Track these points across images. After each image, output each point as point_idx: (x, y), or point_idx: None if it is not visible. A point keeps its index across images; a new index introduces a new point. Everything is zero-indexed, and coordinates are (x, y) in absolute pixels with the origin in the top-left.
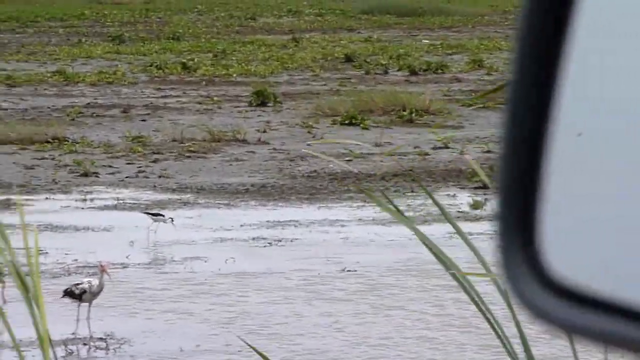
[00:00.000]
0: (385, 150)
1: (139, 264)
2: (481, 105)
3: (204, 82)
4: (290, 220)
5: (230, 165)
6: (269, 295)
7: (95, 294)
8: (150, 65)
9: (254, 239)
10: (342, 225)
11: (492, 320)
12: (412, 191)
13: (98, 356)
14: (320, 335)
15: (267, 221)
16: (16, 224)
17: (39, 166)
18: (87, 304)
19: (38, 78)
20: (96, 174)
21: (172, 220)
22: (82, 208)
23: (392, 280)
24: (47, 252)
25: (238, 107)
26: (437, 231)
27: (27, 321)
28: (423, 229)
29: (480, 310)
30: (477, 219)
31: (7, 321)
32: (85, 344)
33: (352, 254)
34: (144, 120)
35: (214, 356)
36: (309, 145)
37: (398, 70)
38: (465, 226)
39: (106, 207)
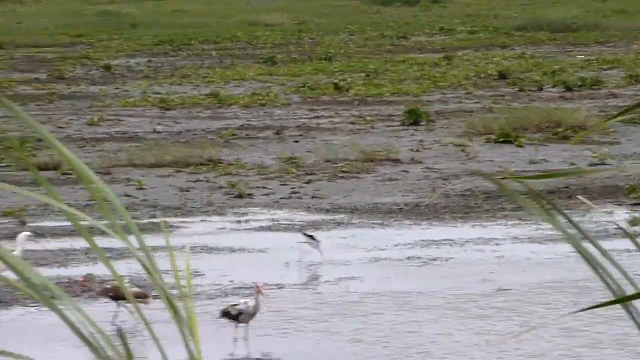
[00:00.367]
0: (540, 167)
1: (294, 285)
2: (639, 122)
3: (356, 102)
4: (444, 239)
5: (384, 184)
6: (423, 314)
7: (251, 315)
8: (303, 86)
9: (408, 258)
10: (497, 244)
11: None
12: (569, 209)
13: None
14: (470, 355)
15: (422, 240)
16: (173, 245)
17: (194, 188)
18: (244, 324)
19: (192, 101)
20: (250, 195)
21: (319, 246)
22: (237, 229)
23: (547, 298)
24: (203, 274)
25: (391, 126)
26: (593, 249)
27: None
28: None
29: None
30: (636, 235)
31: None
32: None
33: (507, 272)
34: (296, 141)
35: None
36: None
37: (552, 87)
38: (622, 244)
39: (261, 228)
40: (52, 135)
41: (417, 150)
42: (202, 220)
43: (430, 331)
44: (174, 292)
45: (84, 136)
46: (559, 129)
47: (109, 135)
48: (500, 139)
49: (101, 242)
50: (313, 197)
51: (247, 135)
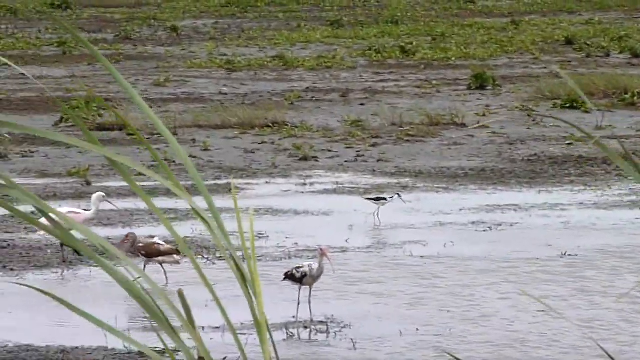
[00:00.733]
0: (606, 133)
1: (358, 248)
2: None
3: (422, 66)
4: (509, 205)
5: (449, 149)
6: (486, 279)
7: (315, 278)
8: (369, 49)
9: (473, 223)
10: (563, 210)
11: None
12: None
13: (319, 339)
14: (531, 320)
15: (487, 205)
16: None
17: (259, 150)
18: (307, 287)
19: (258, 63)
20: (315, 158)
21: (400, 196)
22: (302, 192)
23: (611, 264)
24: (267, 236)
25: (456, 90)
26: None
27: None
28: None
29: None
30: None
31: (222, 305)
32: (306, 327)
33: (572, 238)
34: (362, 105)
35: (431, 338)
36: (528, 129)
37: (619, 53)
38: None
39: (325, 191)
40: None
41: (483, 115)
42: (266, 183)
43: (492, 296)
44: (239, 254)
45: (150, 97)
46: (626, 95)
47: (175, 96)
48: (567, 105)
49: (166, 203)
50: (378, 161)
51: (313, 97)
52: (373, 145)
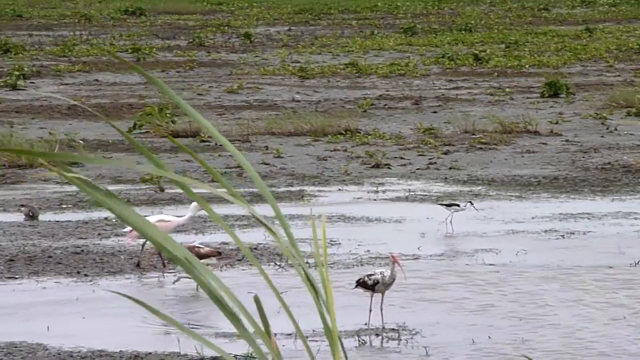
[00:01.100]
0: None
1: (430, 256)
2: None
3: (495, 73)
4: (582, 213)
5: (522, 156)
6: (557, 287)
7: (387, 285)
8: (442, 57)
9: (545, 231)
10: (636, 218)
11: None
12: None
13: (390, 347)
14: (603, 329)
15: (560, 214)
16: (309, 215)
17: (331, 157)
18: (379, 294)
19: (331, 70)
20: (388, 165)
21: (472, 204)
22: (374, 199)
23: None
24: (339, 243)
25: (530, 98)
26: None
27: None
28: None
29: None
30: None
31: (291, 312)
32: (377, 335)
33: None
34: (435, 112)
35: (502, 346)
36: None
37: None
38: None
39: (398, 199)
40: (187, 103)
41: (557, 123)
42: (339, 190)
43: (564, 304)
44: (311, 261)
45: (223, 104)
46: None
47: (248, 104)
48: None
49: (240, 210)
50: (450, 169)
51: (386, 105)
52: (445, 153)
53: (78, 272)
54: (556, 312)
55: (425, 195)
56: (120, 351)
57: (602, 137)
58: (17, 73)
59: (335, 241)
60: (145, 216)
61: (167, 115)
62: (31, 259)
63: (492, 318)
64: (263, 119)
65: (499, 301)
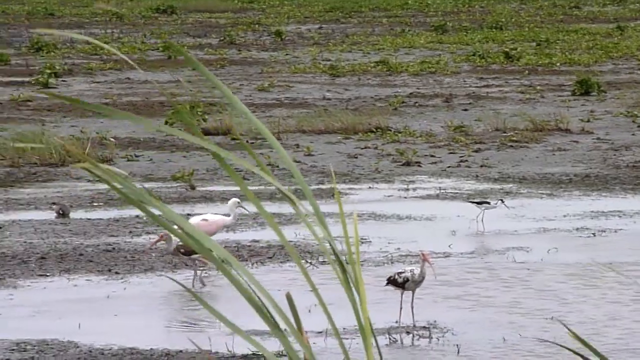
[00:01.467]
0: None
1: (461, 254)
2: None
3: (526, 71)
4: (614, 211)
5: (553, 154)
6: (589, 285)
7: (417, 283)
8: (473, 55)
9: (577, 229)
10: None
11: None
12: None
13: (421, 345)
14: (635, 327)
15: (591, 211)
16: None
17: (362, 155)
18: (410, 292)
19: (361, 68)
20: (418, 163)
21: (503, 202)
22: (405, 197)
23: None
24: (370, 241)
25: (561, 96)
26: None
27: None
28: None
29: None
30: None
31: (327, 309)
32: (408, 333)
33: None
34: (465, 110)
35: (533, 344)
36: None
37: None
38: None
39: (428, 197)
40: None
41: (588, 121)
42: (369, 187)
43: (596, 303)
44: (343, 258)
45: (254, 102)
46: None
47: (279, 102)
48: None
49: (269, 207)
50: (481, 166)
51: (416, 103)
52: (476, 151)
53: (109, 270)
54: (590, 310)
55: (456, 193)
56: (151, 349)
57: (633, 135)
58: (48, 71)
59: (365, 239)
60: (188, 215)
61: (199, 113)
62: (62, 257)
63: (522, 316)
64: (294, 117)
65: (530, 299)
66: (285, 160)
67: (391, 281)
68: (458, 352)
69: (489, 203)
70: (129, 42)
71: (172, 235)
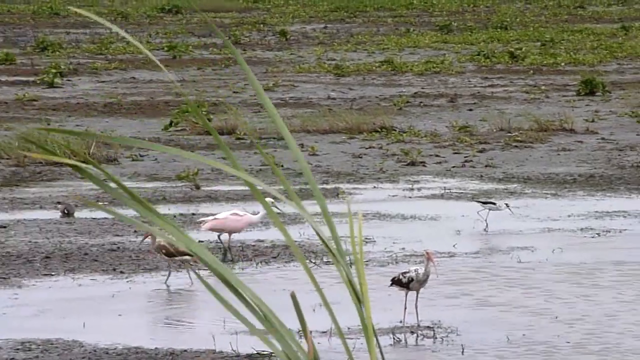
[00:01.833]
0: None
1: (465, 254)
2: None
3: (531, 71)
4: (618, 211)
5: (558, 154)
6: (594, 285)
7: (422, 282)
8: (478, 54)
9: (581, 229)
10: None
11: None
12: None
13: (426, 345)
14: (636, 327)
15: (595, 212)
16: (345, 212)
17: (366, 155)
18: (414, 292)
19: (366, 68)
20: (423, 163)
21: (508, 206)
22: (409, 197)
23: None
24: (374, 241)
25: (566, 96)
26: None
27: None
28: None
29: None
30: None
31: (331, 309)
32: (412, 333)
33: None
34: (470, 110)
35: (537, 345)
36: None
37: None
38: None
39: (433, 197)
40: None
41: (593, 121)
42: (374, 187)
43: (600, 303)
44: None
45: (258, 101)
46: None
47: (284, 101)
48: None
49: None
50: (486, 166)
51: (421, 103)
52: (481, 151)
53: (114, 269)
54: (595, 311)
55: (461, 193)
56: (156, 348)
57: (638, 135)
58: (54, 71)
59: (370, 239)
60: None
61: (204, 112)
62: (67, 256)
63: (527, 316)
64: (298, 117)
65: (534, 299)
66: (302, 163)
67: (395, 282)
68: (462, 352)
69: (494, 204)
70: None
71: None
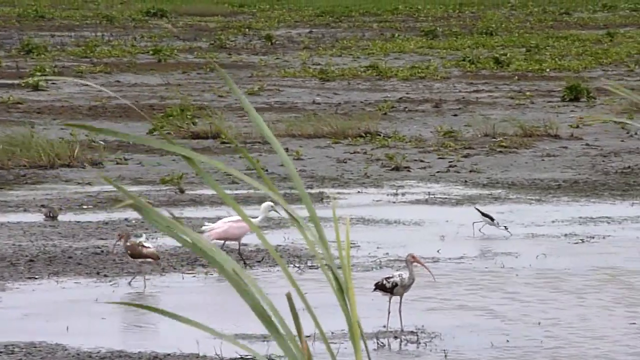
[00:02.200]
0: None
1: (449, 259)
2: None
3: (516, 77)
4: (602, 217)
5: (542, 160)
6: (578, 292)
7: (406, 287)
8: (463, 60)
9: (565, 235)
10: None
11: None
12: None
13: (409, 350)
14: (620, 334)
15: (579, 217)
16: (329, 217)
17: (351, 160)
18: (398, 297)
19: (351, 72)
20: (408, 168)
21: (507, 228)
22: (394, 202)
23: None
24: (358, 246)
25: (550, 102)
26: None
27: (338, 313)
28: None
29: None
30: None
31: (314, 314)
32: (396, 338)
33: None
34: (455, 115)
35: (521, 351)
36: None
37: None
38: None
39: (417, 202)
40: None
41: (577, 127)
42: (358, 192)
43: (584, 310)
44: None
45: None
46: None
47: (269, 105)
48: None
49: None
50: (470, 172)
51: (406, 108)
52: (465, 156)
53: (98, 273)
54: (579, 317)
55: (445, 198)
56: (139, 352)
57: (622, 141)
58: (39, 74)
59: (354, 243)
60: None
61: (188, 116)
62: (51, 260)
63: (510, 321)
64: (283, 121)
65: (518, 305)
66: (290, 167)
67: (379, 286)
68: (446, 357)
69: (492, 219)
70: (119, 45)
71: (129, 234)
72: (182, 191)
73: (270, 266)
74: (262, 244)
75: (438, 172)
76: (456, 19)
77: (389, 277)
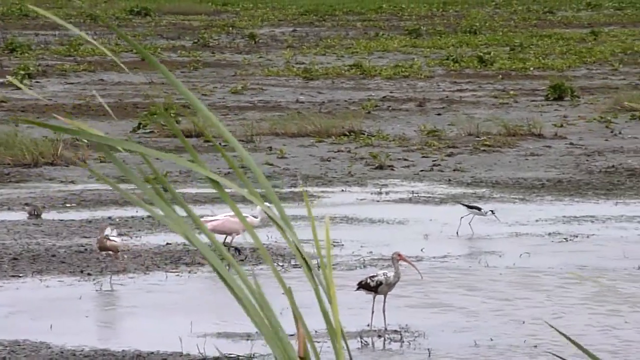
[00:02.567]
0: None
1: (433, 257)
2: None
3: (500, 76)
4: (586, 216)
5: (526, 159)
6: (561, 290)
7: (391, 286)
8: (447, 59)
9: (549, 234)
10: None
11: None
12: None
13: (393, 349)
14: (604, 333)
15: (563, 216)
16: (314, 215)
17: (335, 158)
18: (382, 296)
19: (335, 71)
20: (391, 167)
21: (493, 212)
22: (378, 201)
23: None
24: (342, 245)
25: (534, 101)
26: None
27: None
28: None
29: None
30: None
31: (299, 311)
32: (380, 337)
33: None
34: (439, 114)
35: (505, 349)
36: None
37: None
38: None
39: (401, 200)
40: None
41: (561, 126)
42: (342, 191)
43: (568, 308)
44: (314, 262)
45: (227, 104)
46: None
47: (252, 104)
48: None
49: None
50: (454, 170)
51: (390, 106)
52: (449, 155)
53: (81, 271)
54: (563, 316)
55: (429, 197)
56: (123, 350)
57: (607, 140)
58: (22, 72)
59: (338, 242)
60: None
61: (172, 115)
62: (35, 258)
63: (494, 320)
64: (267, 120)
65: (501, 303)
66: (250, 164)
67: (363, 285)
68: (429, 356)
69: (479, 209)
70: (102, 44)
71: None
72: (166, 190)
73: (253, 265)
74: (244, 242)
75: (422, 170)
76: (440, 17)
77: (373, 276)
